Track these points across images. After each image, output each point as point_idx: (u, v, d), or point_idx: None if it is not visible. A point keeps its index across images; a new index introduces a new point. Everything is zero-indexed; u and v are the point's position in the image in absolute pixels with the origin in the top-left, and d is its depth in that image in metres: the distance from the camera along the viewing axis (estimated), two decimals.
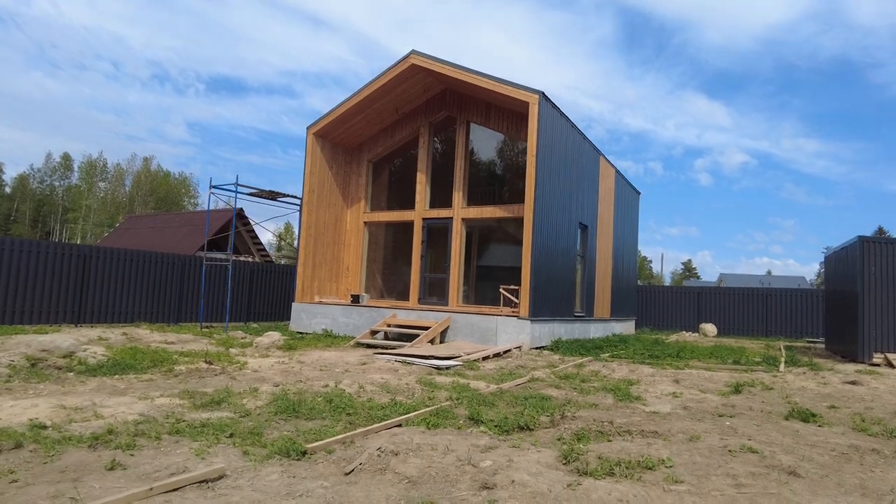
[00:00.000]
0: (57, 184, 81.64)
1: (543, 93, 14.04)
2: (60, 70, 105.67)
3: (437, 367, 9.81)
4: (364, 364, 10.06)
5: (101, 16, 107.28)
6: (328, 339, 14.88)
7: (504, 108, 16.30)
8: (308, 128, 17.65)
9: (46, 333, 12.37)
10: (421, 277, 17.10)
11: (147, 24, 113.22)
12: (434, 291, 17.13)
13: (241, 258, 23.63)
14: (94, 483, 3.81)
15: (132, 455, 4.41)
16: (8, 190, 78.23)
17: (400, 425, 5.71)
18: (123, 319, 16.01)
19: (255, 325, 17.86)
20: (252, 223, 29.60)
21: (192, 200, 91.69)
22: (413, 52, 15.89)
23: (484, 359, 11.09)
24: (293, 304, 16.90)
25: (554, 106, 14.80)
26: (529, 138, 13.98)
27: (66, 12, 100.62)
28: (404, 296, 17.63)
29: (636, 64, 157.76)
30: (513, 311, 14.22)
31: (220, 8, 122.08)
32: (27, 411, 5.67)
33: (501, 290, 14.85)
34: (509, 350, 12.24)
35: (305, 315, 16.56)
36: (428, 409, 6.27)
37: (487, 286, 16.73)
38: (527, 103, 14.13)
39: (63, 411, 5.70)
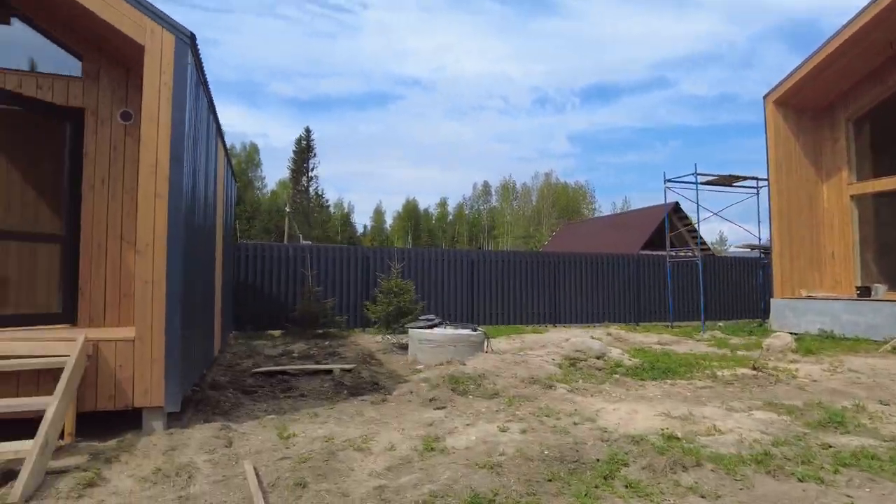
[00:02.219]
0: (481, 207, 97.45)
1: None
2: (465, 115, 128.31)
3: None
4: None
5: (481, 61, 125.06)
6: (831, 341, 12.23)
7: None
8: (765, 97, 15.32)
9: (539, 333, 13.63)
10: None
11: (520, 56, 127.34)
12: None
13: (681, 253, 22.48)
14: None
15: (855, 488, 3.48)
16: (451, 218, 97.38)
17: None
18: (587, 320, 16.71)
19: (720, 324, 16.35)
20: (705, 214, 28.31)
21: (588, 206, 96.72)
22: None
23: None
24: (772, 300, 14.71)
25: None
26: None
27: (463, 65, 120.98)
28: None
29: None
30: None
31: (578, 22, 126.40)
32: (633, 417, 5.53)
33: None
34: None
35: (791, 312, 14.16)
36: None
37: None
38: None
39: (672, 420, 5.35)
